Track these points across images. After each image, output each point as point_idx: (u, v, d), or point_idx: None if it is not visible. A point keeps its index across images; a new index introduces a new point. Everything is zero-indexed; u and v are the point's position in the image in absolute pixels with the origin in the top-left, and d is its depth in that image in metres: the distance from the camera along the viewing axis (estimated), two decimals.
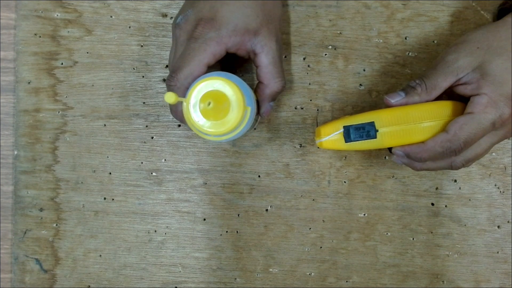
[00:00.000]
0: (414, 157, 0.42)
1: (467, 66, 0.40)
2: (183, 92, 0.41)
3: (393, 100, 0.42)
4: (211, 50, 0.41)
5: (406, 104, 0.42)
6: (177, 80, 0.41)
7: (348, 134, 0.42)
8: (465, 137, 0.39)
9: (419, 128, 0.41)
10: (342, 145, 0.43)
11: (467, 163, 0.42)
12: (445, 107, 0.42)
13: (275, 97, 0.45)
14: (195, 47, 0.41)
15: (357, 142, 0.42)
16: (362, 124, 0.42)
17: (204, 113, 0.38)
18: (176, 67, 0.41)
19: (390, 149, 0.44)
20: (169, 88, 0.42)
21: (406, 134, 0.41)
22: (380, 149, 0.50)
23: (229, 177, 0.51)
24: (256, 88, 0.45)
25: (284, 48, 0.50)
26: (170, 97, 0.36)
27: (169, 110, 0.48)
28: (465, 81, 0.40)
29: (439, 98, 0.42)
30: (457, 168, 0.42)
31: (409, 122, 0.41)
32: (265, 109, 0.45)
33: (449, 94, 0.42)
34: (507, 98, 0.39)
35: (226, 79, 0.38)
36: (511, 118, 0.40)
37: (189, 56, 0.41)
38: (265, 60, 0.43)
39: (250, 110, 0.40)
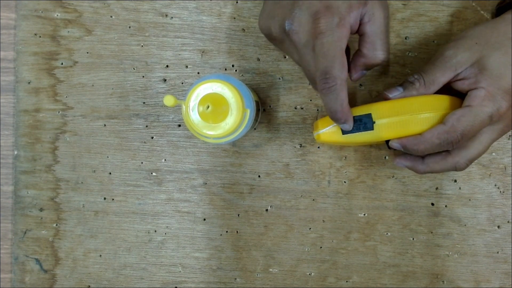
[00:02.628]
0: (411, 149, 0.42)
1: (465, 61, 0.40)
2: (345, 87, 0.39)
3: (391, 94, 0.43)
4: (344, 35, 0.39)
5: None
6: (334, 78, 0.38)
7: (366, 123, 0.42)
8: (463, 129, 0.39)
9: (417, 119, 0.41)
10: (339, 137, 0.43)
11: (470, 162, 0.42)
12: (443, 100, 0.42)
13: (371, 68, 0.43)
14: (330, 40, 0.38)
15: (354, 134, 0.42)
16: (359, 116, 0.42)
17: (203, 116, 0.38)
18: (325, 67, 0.38)
19: (387, 143, 0.44)
20: (331, 90, 0.39)
21: (403, 125, 0.41)
22: (380, 149, 0.50)
23: (229, 177, 0.51)
24: (354, 54, 0.43)
25: None
26: (169, 100, 0.36)
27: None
28: (463, 76, 0.41)
29: (438, 94, 0.42)
30: (462, 169, 0.43)
31: (406, 113, 0.41)
32: (357, 75, 0.43)
33: (447, 90, 0.42)
34: (505, 92, 0.39)
35: (224, 82, 0.38)
36: (508, 112, 0.40)
37: (329, 51, 0.38)
38: (370, 30, 0.40)
39: (249, 112, 0.40)
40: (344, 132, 0.43)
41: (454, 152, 0.42)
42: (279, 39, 0.42)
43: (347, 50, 0.43)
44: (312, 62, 0.40)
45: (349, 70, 0.43)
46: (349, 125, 0.41)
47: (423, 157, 0.44)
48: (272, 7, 0.42)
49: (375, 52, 0.41)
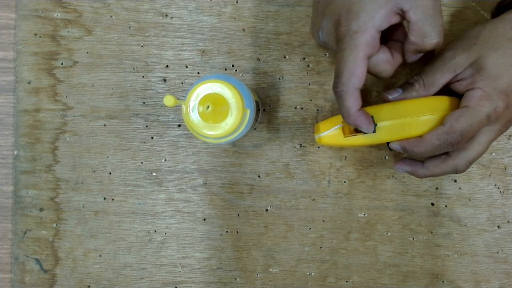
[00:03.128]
0: (411, 151, 0.42)
1: (464, 62, 0.41)
2: (354, 95, 0.39)
3: (391, 96, 0.43)
4: (363, 41, 0.38)
5: (403, 100, 0.42)
6: (341, 84, 0.38)
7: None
8: (461, 129, 0.40)
9: (417, 122, 0.41)
10: (341, 140, 0.43)
11: (470, 164, 0.42)
12: (443, 101, 0.42)
13: (424, 52, 0.41)
14: (345, 47, 0.38)
15: (356, 136, 0.42)
16: None
17: (203, 116, 0.38)
18: (337, 72, 0.39)
19: (388, 145, 0.44)
20: (338, 95, 0.39)
21: (404, 127, 0.41)
22: (380, 149, 0.50)
23: (229, 177, 0.51)
24: (405, 40, 0.41)
25: (288, 49, 0.50)
26: (169, 100, 0.36)
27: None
28: (461, 77, 0.41)
29: (437, 95, 0.42)
30: (462, 171, 0.43)
31: (407, 116, 0.41)
32: (412, 59, 0.42)
33: (446, 91, 0.43)
34: (501, 92, 0.39)
35: (224, 82, 0.38)
36: (505, 112, 0.40)
37: (342, 57, 0.38)
38: (414, 17, 0.38)
39: (249, 112, 0.40)
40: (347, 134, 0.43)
41: (454, 154, 0.42)
42: (326, 47, 0.43)
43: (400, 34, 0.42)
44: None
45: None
46: (365, 128, 0.41)
47: (423, 161, 0.44)
48: (313, 16, 0.43)
49: (424, 40, 0.39)
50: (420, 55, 0.42)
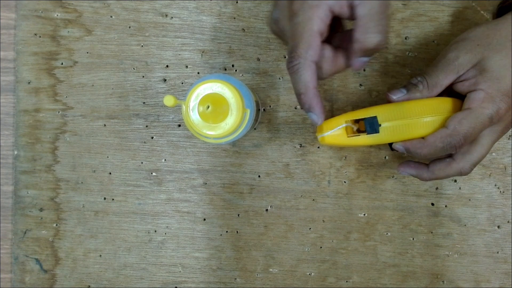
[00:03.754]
0: (414, 153, 0.42)
1: (467, 63, 0.41)
2: (312, 69, 0.37)
3: (395, 96, 0.43)
4: (317, 15, 0.36)
5: (407, 100, 0.42)
6: (298, 56, 0.36)
7: (372, 125, 0.42)
8: (465, 131, 0.40)
9: (420, 123, 0.41)
10: (344, 140, 0.43)
11: (474, 166, 0.43)
12: (446, 103, 0.42)
13: (370, 54, 0.39)
14: (299, 21, 0.37)
15: (359, 136, 0.43)
16: (365, 118, 0.42)
17: (203, 116, 0.38)
18: (291, 47, 0.37)
19: (390, 145, 0.44)
20: (294, 69, 0.37)
21: (407, 129, 0.41)
22: (380, 150, 0.50)
23: (229, 177, 0.51)
24: (351, 40, 0.39)
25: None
26: (169, 100, 0.36)
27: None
28: (464, 78, 0.41)
29: (440, 95, 0.42)
30: (467, 173, 0.43)
31: (410, 117, 0.41)
32: (356, 64, 0.39)
33: (449, 92, 0.43)
34: (504, 94, 0.39)
35: (225, 82, 0.38)
36: (507, 113, 0.40)
37: (297, 30, 0.37)
38: (361, 12, 0.37)
39: (249, 112, 0.40)
40: (369, 131, 0.42)
41: (458, 158, 0.42)
42: (278, 34, 0.41)
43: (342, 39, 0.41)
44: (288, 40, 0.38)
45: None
46: (316, 116, 0.39)
47: (427, 164, 0.44)
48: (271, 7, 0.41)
49: (366, 36, 0.37)
50: (365, 60, 0.40)
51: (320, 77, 0.40)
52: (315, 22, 0.37)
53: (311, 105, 0.38)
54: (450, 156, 0.43)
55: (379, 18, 0.37)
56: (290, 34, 0.38)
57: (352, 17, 0.38)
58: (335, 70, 0.40)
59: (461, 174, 0.43)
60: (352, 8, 0.37)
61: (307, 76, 0.37)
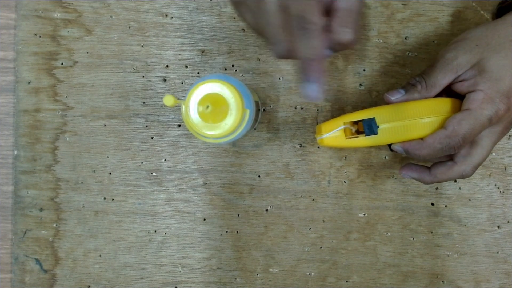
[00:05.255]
0: (413, 154, 0.42)
1: (466, 63, 0.40)
2: (322, 36, 0.35)
3: (393, 97, 0.43)
4: None
5: (406, 101, 0.42)
6: (311, 22, 0.34)
7: (370, 127, 0.42)
8: (464, 132, 0.40)
9: (419, 124, 0.41)
10: (343, 141, 0.43)
11: (476, 168, 0.42)
12: (445, 103, 0.42)
13: (337, 49, 0.38)
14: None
15: (358, 138, 0.43)
16: (363, 120, 0.42)
17: (203, 116, 0.38)
18: (300, 11, 0.34)
19: (389, 146, 0.44)
20: (305, 33, 0.34)
21: (406, 130, 0.41)
22: (380, 150, 0.50)
23: (229, 177, 0.51)
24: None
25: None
26: (169, 100, 0.36)
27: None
28: (463, 78, 0.41)
29: (438, 96, 0.42)
30: (469, 175, 0.43)
31: (409, 118, 0.41)
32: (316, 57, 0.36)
33: (447, 92, 0.42)
34: (503, 95, 0.39)
35: (224, 82, 0.38)
36: (506, 114, 0.40)
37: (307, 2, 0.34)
38: (342, 6, 0.36)
39: (249, 112, 0.40)
40: (368, 133, 0.41)
41: (460, 161, 0.42)
42: (255, 24, 0.38)
43: None
44: (275, 13, 0.35)
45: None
46: (318, 88, 0.36)
47: (429, 168, 0.44)
48: None
49: (343, 29, 0.36)
50: (329, 53, 0.38)
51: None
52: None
53: (319, 73, 0.36)
54: (451, 159, 0.43)
55: (356, 19, 0.36)
56: (297, 4, 0.34)
57: (331, 11, 0.36)
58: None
59: (463, 176, 0.43)
60: (332, 3, 0.36)
61: (320, 42, 0.35)
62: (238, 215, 0.51)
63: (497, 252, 0.50)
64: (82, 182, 0.52)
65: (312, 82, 0.36)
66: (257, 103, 0.45)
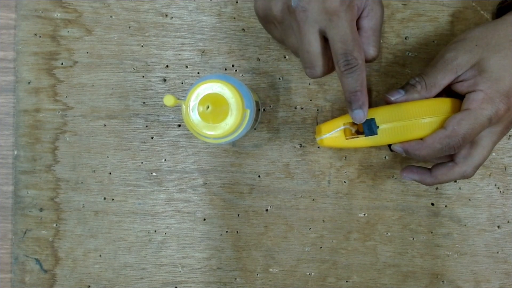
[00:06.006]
0: (412, 154, 0.42)
1: (465, 63, 0.41)
2: (365, 69, 0.39)
3: (393, 97, 0.43)
4: (355, 16, 0.39)
5: (406, 101, 0.42)
6: (355, 58, 0.38)
7: (370, 127, 0.42)
8: (463, 132, 0.40)
9: (419, 124, 0.41)
10: (342, 142, 0.43)
11: (477, 168, 0.43)
12: (445, 103, 0.42)
13: None
14: (344, 22, 0.38)
15: (357, 139, 0.42)
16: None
17: (203, 116, 0.38)
18: (346, 49, 0.38)
19: (389, 146, 0.44)
20: (352, 70, 0.39)
21: (405, 130, 0.41)
22: (380, 150, 0.50)
23: (229, 177, 0.51)
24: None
25: (288, 49, 0.50)
26: (169, 100, 0.36)
27: (169, 109, 0.46)
28: (463, 78, 0.41)
29: (438, 96, 0.42)
30: (470, 176, 0.43)
31: (409, 118, 0.41)
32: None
33: (447, 92, 0.42)
34: (503, 95, 0.39)
35: (224, 82, 0.38)
36: (506, 114, 0.40)
37: (346, 32, 0.38)
38: (367, 25, 0.41)
39: (249, 112, 0.40)
40: (368, 134, 0.42)
41: (460, 162, 0.42)
42: (278, 19, 0.41)
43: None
44: (315, 43, 0.39)
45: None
46: (363, 112, 0.40)
47: (430, 169, 0.44)
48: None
49: (368, 47, 0.41)
50: None
51: (320, 74, 0.41)
52: (355, 23, 0.39)
53: (364, 102, 0.40)
54: (452, 160, 0.43)
55: (379, 35, 0.41)
56: (337, 34, 0.38)
57: (360, 25, 0.41)
58: (324, 69, 0.41)
59: (464, 177, 0.43)
60: (359, 18, 0.40)
61: (364, 75, 0.39)
62: (238, 215, 0.51)
63: (497, 252, 0.50)
64: (82, 182, 0.52)
65: (359, 109, 0.40)
66: (257, 103, 0.45)
